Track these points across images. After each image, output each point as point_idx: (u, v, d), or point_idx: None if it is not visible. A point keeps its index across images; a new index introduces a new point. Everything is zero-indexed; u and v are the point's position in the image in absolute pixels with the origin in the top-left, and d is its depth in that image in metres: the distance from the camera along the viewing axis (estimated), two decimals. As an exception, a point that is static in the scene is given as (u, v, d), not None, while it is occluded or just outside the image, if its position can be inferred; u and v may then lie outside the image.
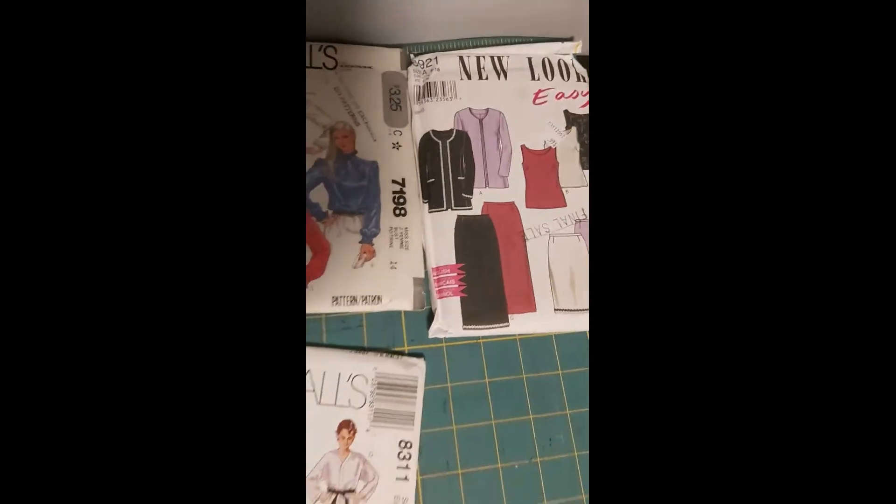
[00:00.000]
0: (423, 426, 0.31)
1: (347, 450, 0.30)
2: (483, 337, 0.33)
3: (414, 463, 0.30)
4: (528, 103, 0.39)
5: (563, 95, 0.39)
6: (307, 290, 0.32)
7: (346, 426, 0.30)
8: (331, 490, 0.29)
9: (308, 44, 0.38)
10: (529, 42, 0.41)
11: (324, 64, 0.38)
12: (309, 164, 0.35)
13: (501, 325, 0.33)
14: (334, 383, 0.31)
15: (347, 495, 0.29)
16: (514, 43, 0.41)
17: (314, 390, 0.30)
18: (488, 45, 0.40)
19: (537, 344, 0.34)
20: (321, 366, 0.31)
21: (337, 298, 0.32)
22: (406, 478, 0.30)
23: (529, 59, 0.40)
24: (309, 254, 0.33)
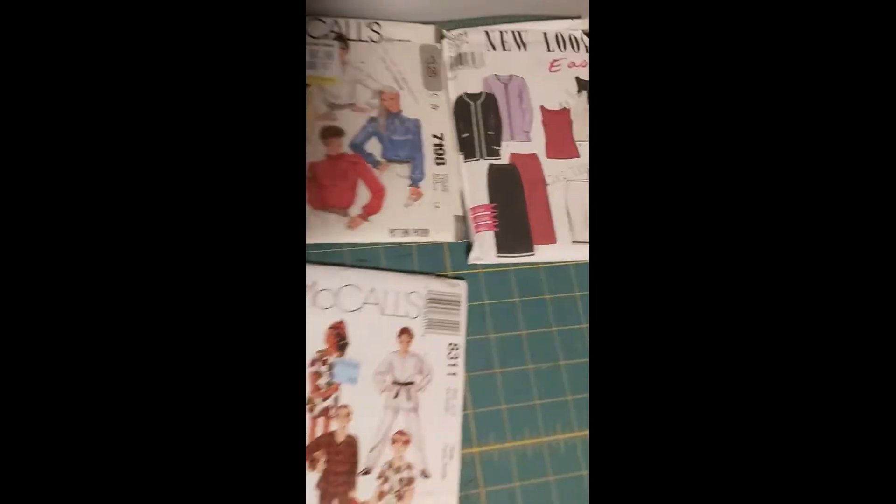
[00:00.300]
0: (466, 334, 0.37)
1: (407, 351, 0.36)
2: (512, 264, 0.40)
3: (461, 362, 0.36)
4: (545, 71, 0.45)
5: (574, 64, 0.46)
6: (368, 224, 0.38)
7: (405, 332, 0.36)
8: (395, 382, 0.35)
9: (357, 20, 0.44)
10: (544, 19, 0.47)
11: (370, 38, 0.44)
12: (363, 121, 0.41)
13: (528, 254, 0.40)
14: (394, 299, 0.37)
15: (408, 386, 0.35)
16: (532, 20, 0.47)
17: (378, 304, 0.37)
18: (509, 22, 0.46)
19: (557, 270, 0.41)
20: (383, 285, 0.37)
21: (393, 230, 0.38)
22: (455, 373, 0.36)
23: (545, 34, 0.46)
24: (368, 194, 0.39)
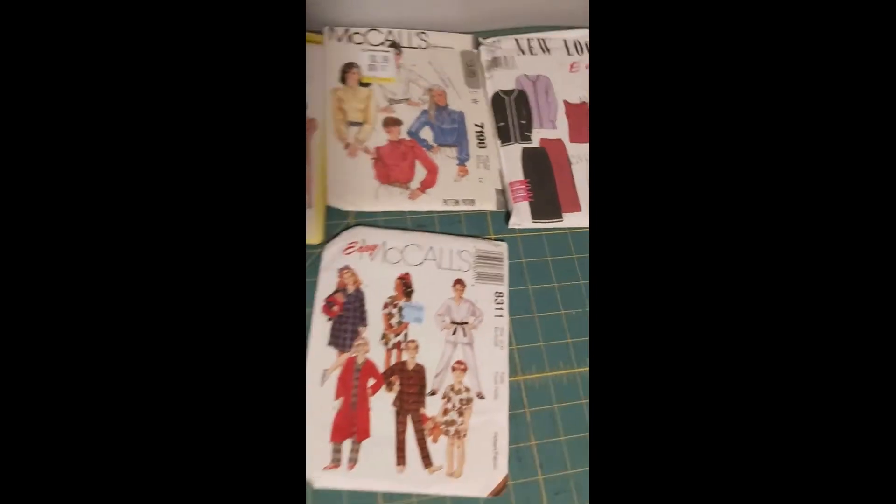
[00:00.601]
0: (509, 285, 0.44)
1: (461, 297, 0.43)
2: (544, 229, 0.47)
3: (505, 307, 0.44)
4: (566, 71, 0.53)
5: (589, 66, 0.54)
6: (425, 195, 0.46)
7: (459, 282, 0.44)
8: (452, 322, 0.42)
9: (408, 31, 0.52)
10: (564, 29, 0.55)
11: (419, 45, 0.52)
12: (417, 112, 0.49)
13: (557, 220, 0.47)
14: (449, 256, 0.44)
15: (463, 325, 0.42)
16: (553, 30, 0.55)
17: (435, 260, 0.44)
18: (535, 31, 0.55)
19: (582, 234, 0.48)
20: (439, 245, 0.44)
21: (446, 200, 0.46)
22: (501, 316, 0.43)
23: (565, 41, 0.54)
24: (424, 172, 0.47)
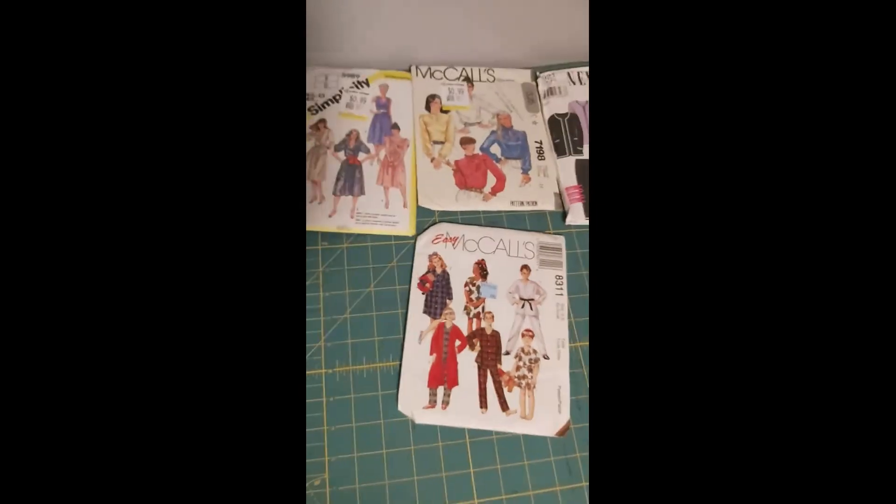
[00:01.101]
0: (567, 270, 0.54)
1: (527, 279, 0.53)
2: (595, 226, 0.57)
3: (565, 288, 0.53)
4: (610, 97, 0.63)
5: (630, 93, 0.64)
6: (495, 198, 0.56)
7: (525, 268, 0.53)
8: (521, 298, 0.52)
9: (478, 67, 0.64)
10: (607, 63, 0.66)
11: (487, 79, 0.63)
12: (487, 133, 0.60)
13: (606, 218, 0.56)
14: (516, 246, 0.54)
15: (530, 301, 0.52)
16: (598, 64, 0.66)
17: (505, 249, 0.54)
18: (583, 66, 0.65)
19: (627, 231, 0.57)
20: (508, 237, 0.54)
21: (513, 202, 0.56)
22: (561, 294, 0.52)
23: (609, 72, 0.65)
24: (494, 179, 0.57)
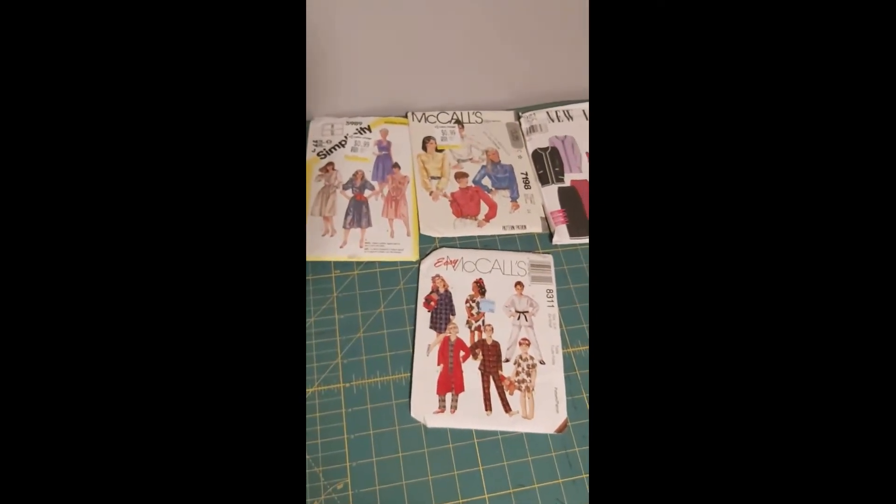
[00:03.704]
0: (556, 284, 0.59)
1: (521, 294, 0.58)
2: (579, 244, 0.63)
3: (555, 300, 0.58)
4: (585, 131, 0.71)
5: (603, 127, 0.72)
6: (489, 224, 0.62)
7: (519, 284, 0.59)
8: (516, 311, 0.57)
9: (467, 111, 0.72)
10: (582, 101, 0.74)
11: (475, 121, 0.71)
12: (478, 167, 0.67)
13: (588, 237, 0.63)
14: (510, 265, 0.60)
15: (525, 313, 0.57)
16: (575, 103, 0.74)
17: (500, 268, 0.60)
18: (561, 105, 0.74)
19: (609, 247, 0.63)
20: (502, 258, 0.60)
21: (504, 227, 0.63)
22: (552, 306, 0.58)
23: (584, 110, 0.73)
24: (487, 208, 0.64)
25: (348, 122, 0.70)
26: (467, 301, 0.58)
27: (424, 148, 0.68)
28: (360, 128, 0.70)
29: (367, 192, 0.64)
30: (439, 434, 0.51)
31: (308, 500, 0.47)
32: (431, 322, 0.56)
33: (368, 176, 0.66)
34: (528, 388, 0.53)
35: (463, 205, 0.64)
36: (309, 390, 0.52)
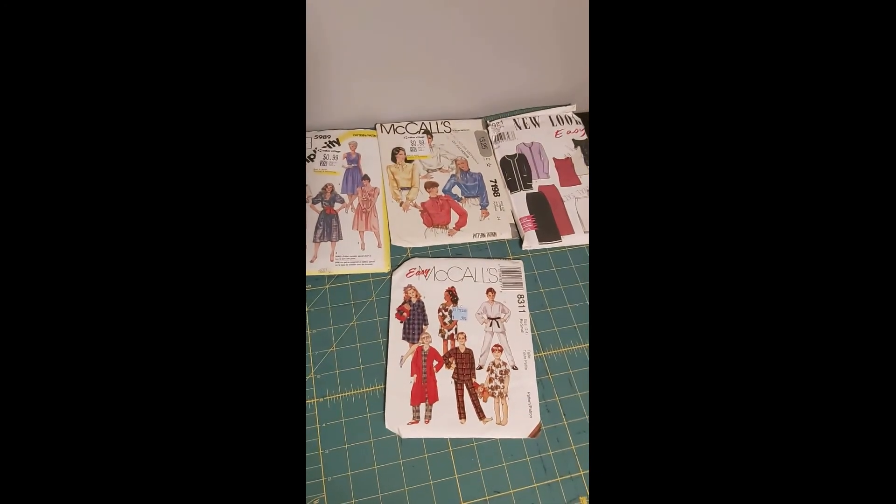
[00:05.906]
0: (527, 289, 0.60)
1: (493, 300, 0.59)
2: (549, 248, 0.64)
3: (526, 305, 0.59)
4: (552, 137, 0.72)
5: (569, 132, 0.73)
6: (459, 232, 0.63)
7: (490, 290, 0.60)
8: (489, 318, 0.58)
9: (436, 121, 0.72)
10: (548, 108, 0.75)
11: (444, 130, 0.72)
12: (447, 177, 0.68)
13: (557, 241, 0.64)
14: (481, 272, 0.61)
15: (497, 319, 0.58)
16: (541, 109, 0.75)
17: (472, 276, 0.60)
18: (527, 112, 0.75)
19: (577, 250, 0.64)
20: (473, 265, 0.61)
21: (475, 234, 0.63)
22: (523, 311, 0.59)
23: (549, 116, 0.74)
24: (457, 216, 0.64)
25: (317, 136, 0.70)
26: (440, 310, 0.58)
27: (394, 159, 0.69)
28: (329, 141, 0.70)
29: (336, 206, 0.65)
30: (414, 444, 0.51)
31: (284, 517, 0.47)
32: (404, 333, 0.56)
33: (338, 189, 0.66)
34: (501, 394, 0.54)
35: (433, 214, 0.65)
36: (283, 406, 0.52)
